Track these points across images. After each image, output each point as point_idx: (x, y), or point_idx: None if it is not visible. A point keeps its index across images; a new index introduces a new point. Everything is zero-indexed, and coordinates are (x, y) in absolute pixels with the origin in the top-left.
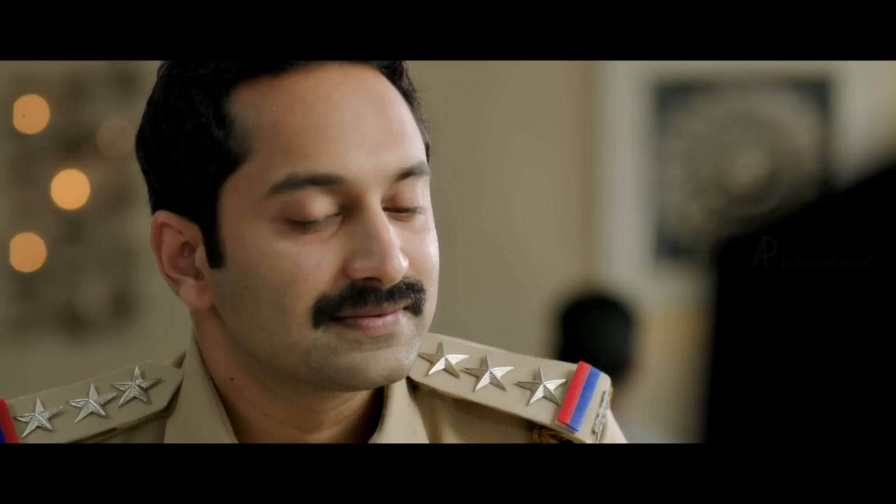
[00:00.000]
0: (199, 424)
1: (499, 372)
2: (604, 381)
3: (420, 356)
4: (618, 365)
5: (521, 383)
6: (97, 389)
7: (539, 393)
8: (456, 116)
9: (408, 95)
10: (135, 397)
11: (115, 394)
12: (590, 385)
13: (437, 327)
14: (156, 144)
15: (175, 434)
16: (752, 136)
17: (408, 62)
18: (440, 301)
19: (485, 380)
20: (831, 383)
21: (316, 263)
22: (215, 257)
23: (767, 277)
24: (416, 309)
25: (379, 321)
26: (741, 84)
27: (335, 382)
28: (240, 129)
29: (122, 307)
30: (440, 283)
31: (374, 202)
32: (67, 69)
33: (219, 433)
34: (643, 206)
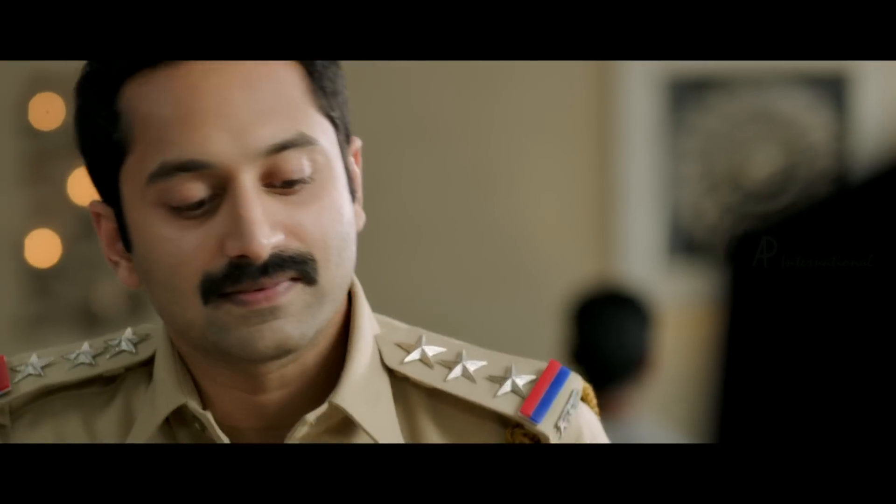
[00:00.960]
0: (165, 386)
1: (472, 365)
2: (574, 380)
3: (398, 346)
4: (632, 362)
5: (491, 377)
6: (91, 346)
7: (507, 387)
8: (471, 114)
9: (308, 66)
10: (123, 350)
11: (106, 348)
12: (558, 382)
13: (452, 326)
14: (78, 139)
15: (152, 384)
16: (766, 132)
17: None
18: (455, 300)
19: (456, 371)
20: (846, 382)
21: (197, 245)
22: (126, 242)
23: (781, 275)
24: (307, 279)
25: (260, 295)
26: (756, 81)
27: (232, 355)
28: (124, 122)
29: (138, 304)
30: (453, 281)
31: (244, 181)
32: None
33: (175, 396)
34: (658, 203)
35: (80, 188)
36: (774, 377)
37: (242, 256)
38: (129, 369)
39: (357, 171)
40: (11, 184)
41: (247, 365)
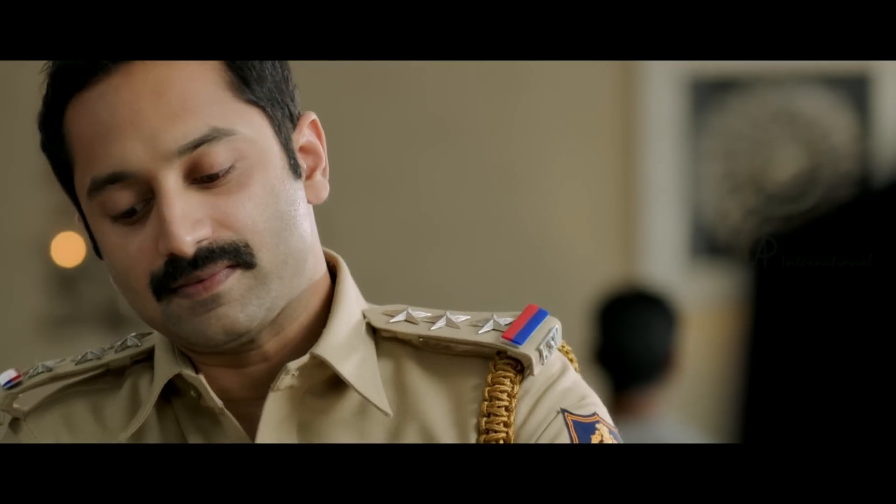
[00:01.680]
0: (161, 362)
1: (455, 318)
2: (552, 320)
3: (385, 313)
4: (656, 362)
5: (474, 323)
6: (98, 347)
7: (489, 325)
8: (492, 115)
9: (227, 61)
10: (128, 345)
11: (111, 346)
12: (536, 318)
13: None
14: (49, 162)
15: (153, 372)
16: (788, 133)
17: None
18: (477, 300)
19: (441, 322)
20: (871, 382)
21: (138, 248)
22: (96, 250)
23: (806, 276)
24: (244, 265)
25: (199, 286)
26: (778, 82)
27: (192, 343)
28: (67, 143)
29: None
30: (476, 281)
31: (165, 183)
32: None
33: (170, 368)
34: (680, 203)
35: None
36: (800, 377)
37: (172, 254)
38: (136, 361)
39: (318, 145)
40: (39, 185)
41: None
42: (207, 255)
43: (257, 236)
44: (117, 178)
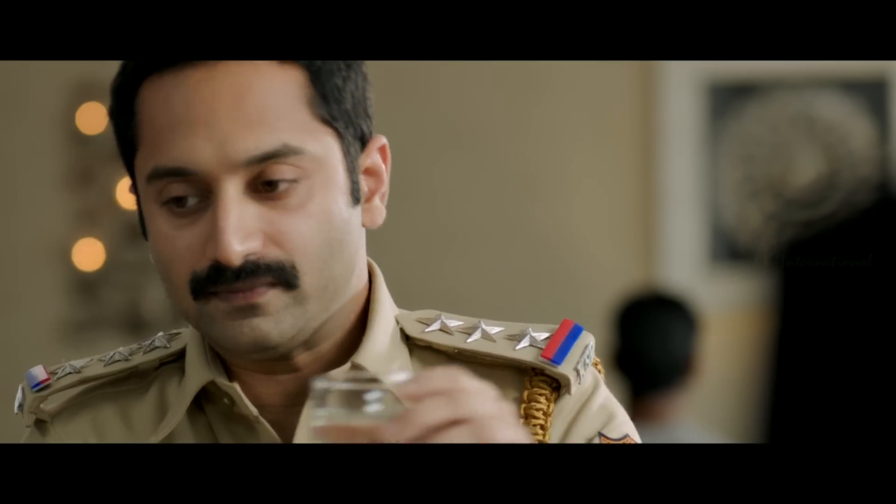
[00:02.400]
0: (193, 366)
1: (490, 329)
2: (587, 336)
3: (418, 321)
4: (677, 367)
5: (510, 336)
6: (126, 347)
7: (525, 342)
8: (511, 118)
9: (311, 72)
10: (156, 346)
11: (140, 346)
12: (573, 335)
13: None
14: (113, 131)
15: (184, 375)
16: (807, 138)
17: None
18: (496, 305)
19: (476, 334)
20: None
21: (186, 245)
22: (143, 229)
23: (833, 279)
24: (286, 284)
25: (239, 294)
26: (797, 86)
27: (222, 347)
28: (136, 122)
29: None
30: (494, 286)
31: (226, 190)
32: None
33: (203, 374)
34: (700, 208)
35: (130, 195)
36: (826, 380)
37: (217, 261)
38: (164, 363)
39: (382, 169)
40: (60, 191)
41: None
42: (252, 270)
43: (305, 259)
44: (180, 173)
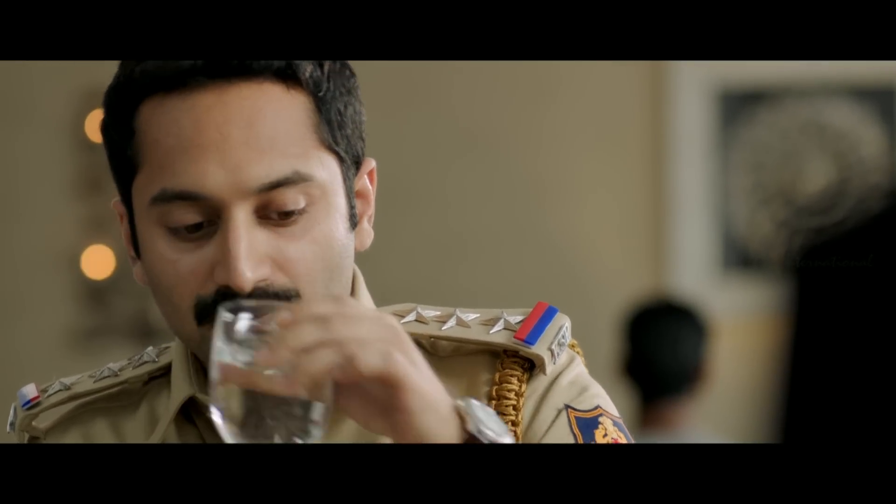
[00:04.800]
0: (177, 381)
1: (465, 316)
2: (562, 317)
3: (395, 313)
4: (687, 374)
5: (484, 321)
6: (114, 363)
7: (499, 325)
8: (523, 125)
9: (317, 98)
10: (145, 361)
11: (129, 361)
12: (547, 316)
13: None
14: (104, 144)
15: (170, 389)
16: (817, 145)
17: (328, 65)
18: (509, 308)
19: (451, 322)
20: None
21: (191, 270)
22: (136, 249)
23: (844, 285)
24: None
25: None
26: (808, 93)
27: (202, 367)
28: (138, 141)
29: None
30: (505, 293)
31: (236, 215)
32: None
33: (185, 389)
34: (711, 215)
35: None
36: (840, 386)
37: (228, 286)
38: (153, 377)
39: (370, 191)
40: (69, 198)
41: None
42: (268, 296)
43: (309, 286)
44: (190, 197)
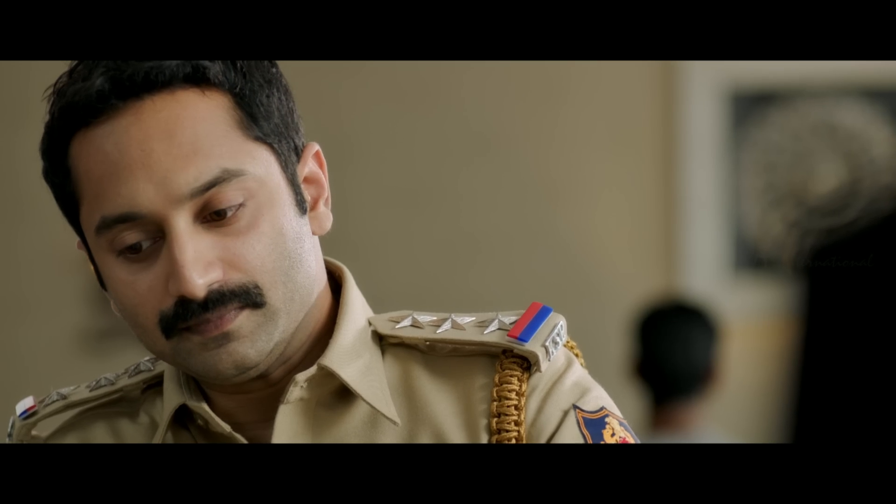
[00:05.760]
0: (168, 391)
1: (460, 319)
2: (556, 316)
3: (390, 319)
4: (698, 375)
5: (479, 323)
6: (112, 373)
7: (493, 325)
8: (534, 128)
9: (236, 96)
10: (141, 370)
11: (125, 371)
12: (541, 315)
13: None
14: (51, 190)
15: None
16: (829, 146)
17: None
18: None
19: (446, 325)
20: None
21: (148, 287)
22: (101, 282)
23: (858, 285)
24: (253, 305)
25: (210, 325)
26: (819, 94)
27: (201, 376)
28: (73, 178)
29: None
30: (515, 294)
31: (176, 226)
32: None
33: (176, 397)
34: (722, 216)
35: None
36: (852, 386)
37: (182, 296)
38: (150, 385)
39: (320, 175)
40: None
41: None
42: (218, 298)
43: (266, 276)
44: (127, 219)
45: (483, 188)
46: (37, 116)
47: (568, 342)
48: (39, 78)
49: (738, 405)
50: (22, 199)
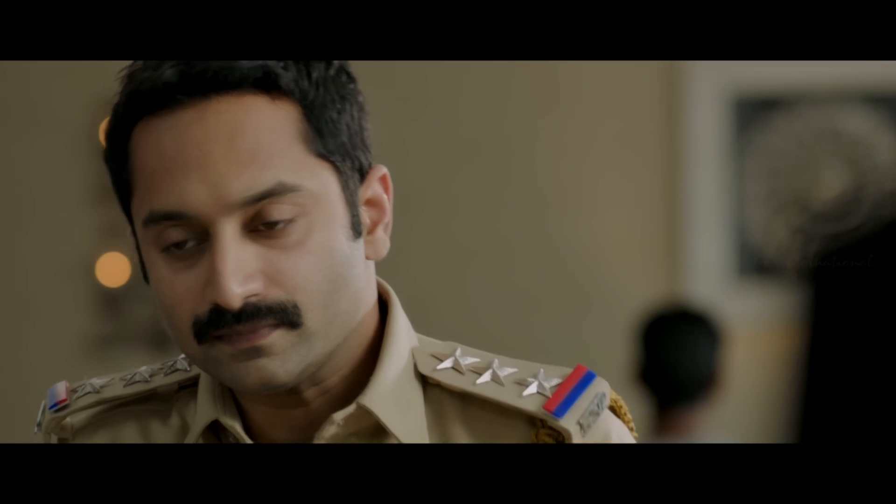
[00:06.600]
0: (202, 402)
1: (501, 371)
2: (600, 383)
3: (433, 356)
4: (701, 380)
5: (519, 380)
6: (147, 367)
7: (533, 388)
8: (535, 132)
9: (305, 108)
10: (177, 368)
11: (161, 367)
12: (583, 384)
13: (515, 346)
14: (109, 174)
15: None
16: (833, 152)
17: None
18: (519, 319)
19: (486, 376)
20: None
21: (186, 288)
22: (144, 273)
23: (863, 291)
24: (289, 324)
25: (241, 336)
26: (823, 100)
27: (228, 387)
28: (130, 165)
29: None
30: (517, 300)
31: (222, 232)
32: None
33: (209, 412)
34: (726, 222)
35: None
36: (857, 391)
37: (217, 304)
38: (184, 386)
39: (384, 198)
40: (84, 205)
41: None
42: (253, 312)
43: (307, 297)
44: (175, 217)
45: (485, 193)
46: (41, 121)
47: (615, 402)
48: (52, 84)
49: (742, 410)
50: (27, 203)
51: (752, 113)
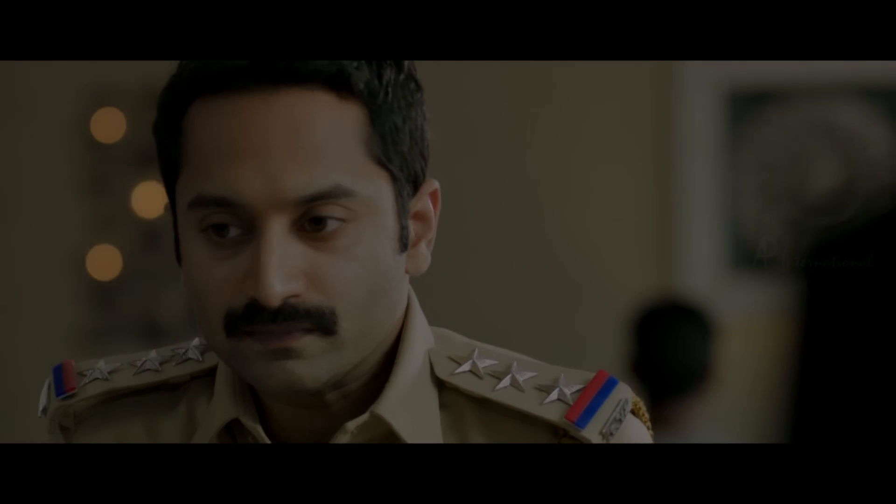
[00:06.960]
0: (221, 398)
1: (521, 376)
2: (622, 390)
3: (450, 358)
4: (694, 374)
5: (540, 386)
6: (158, 353)
7: (554, 395)
8: (529, 125)
9: (372, 110)
10: (189, 358)
11: (172, 355)
12: (605, 390)
13: (510, 339)
14: (156, 145)
15: (214, 395)
16: (826, 145)
17: (388, 75)
18: (513, 312)
19: (505, 381)
20: None
21: (223, 278)
22: (178, 254)
23: (855, 284)
24: (324, 330)
25: (273, 337)
26: (816, 93)
27: (252, 385)
28: (182, 142)
29: None
30: (512, 293)
31: (271, 225)
32: (147, 84)
33: (229, 410)
34: (719, 215)
35: (145, 202)
36: (851, 385)
37: (255, 300)
38: (195, 377)
39: (432, 213)
40: (75, 198)
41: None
42: (291, 313)
43: (346, 305)
44: (225, 203)
45: (477, 187)
46: (39, 114)
47: (635, 404)
48: (43, 76)
49: (735, 404)
50: (16, 196)
51: (746, 106)
